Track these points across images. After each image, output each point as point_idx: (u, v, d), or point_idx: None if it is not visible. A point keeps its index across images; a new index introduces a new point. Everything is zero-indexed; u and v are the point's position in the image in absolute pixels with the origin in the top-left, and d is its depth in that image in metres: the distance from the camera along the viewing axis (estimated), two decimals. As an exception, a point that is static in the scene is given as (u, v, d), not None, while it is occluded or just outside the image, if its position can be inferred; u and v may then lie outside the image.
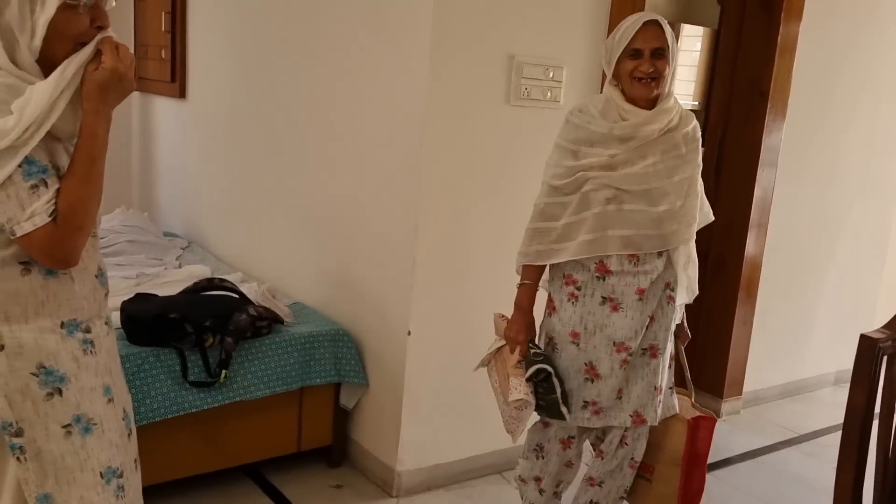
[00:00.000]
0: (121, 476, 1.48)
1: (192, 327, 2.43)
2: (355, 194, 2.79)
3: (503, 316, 2.17)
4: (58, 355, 1.38)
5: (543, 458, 2.21)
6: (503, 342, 2.14)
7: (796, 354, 3.94)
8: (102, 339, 1.46)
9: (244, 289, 2.84)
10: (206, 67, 3.79)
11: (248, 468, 2.74)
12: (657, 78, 1.94)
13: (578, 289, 2.04)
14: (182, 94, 3.92)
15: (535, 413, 2.10)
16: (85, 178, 1.34)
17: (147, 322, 2.40)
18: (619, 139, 1.97)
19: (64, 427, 1.39)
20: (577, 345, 2.06)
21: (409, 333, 2.56)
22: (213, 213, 3.82)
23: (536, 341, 2.16)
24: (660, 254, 2.03)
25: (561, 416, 2.05)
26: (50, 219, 1.30)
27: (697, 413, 2.20)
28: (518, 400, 2.01)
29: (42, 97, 1.29)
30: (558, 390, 2.02)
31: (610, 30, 2.69)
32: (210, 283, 2.77)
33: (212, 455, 2.55)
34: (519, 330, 2.08)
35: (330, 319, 2.85)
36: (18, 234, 1.30)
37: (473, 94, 2.51)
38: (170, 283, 3.05)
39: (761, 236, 3.52)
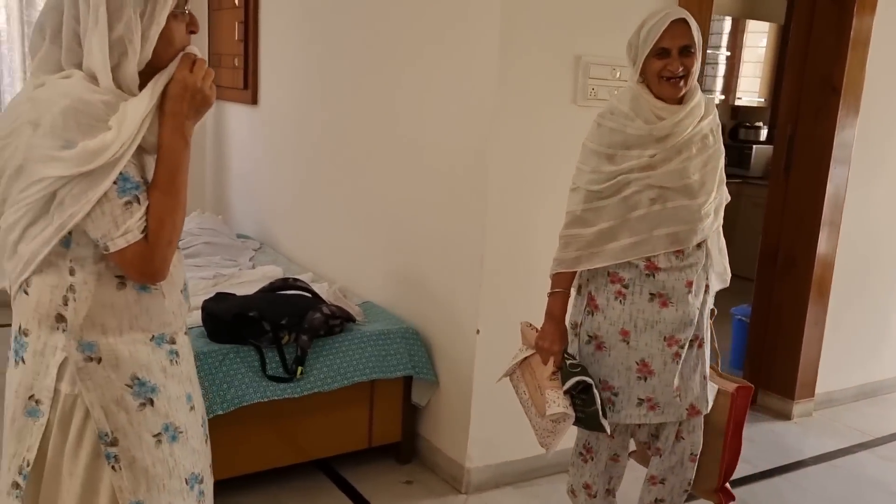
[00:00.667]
0: (201, 482, 1.53)
1: (270, 325, 2.52)
2: (424, 195, 2.85)
3: (531, 325, 2.14)
4: (149, 367, 1.43)
5: (592, 458, 2.18)
6: (530, 352, 2.10)
7: (871, 355, 3.83)
8: (185, 350, 1.52)
9: (316, 288, 2.92)
10: (277, 75, 3.91)
11: (321, 463, 2.82)
12: (685, 76, 1.93)
13: (626, 286, 2.02)
14: (254, 100, 4.06)
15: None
16: (167, 191, 1.36)
17: (227, 320, 2.51)
18: (656, 139, 1.95)
19: (155, 436, 1.43)
20: (628, 343, 2.03)
21: (477, 332, 2.60)
22: (283, 216, 3.94)
23: (571, 341, 2.12)
24: (699, 245, 2.03)
25: (602, 428, 2.00)
26: (142, 235, 1.33)
27: (728, 382, 2.22)
28: (557, 414, 1.95)
29: (137, 112, 1.32)
30: (598, 401, 1.97)
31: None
32: (285, 282, 2.86)
33: (287, 450, 2.64)
34: (553, 340, 2.04)
35: (400, 318, 2.91)
36: (112, 251, 1.33)
37: (540, 95, 2.54)
38: (245, 283, 3.16)
39: (833, 235, 3.45)
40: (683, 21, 1.92)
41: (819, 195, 3.37)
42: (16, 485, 1.42)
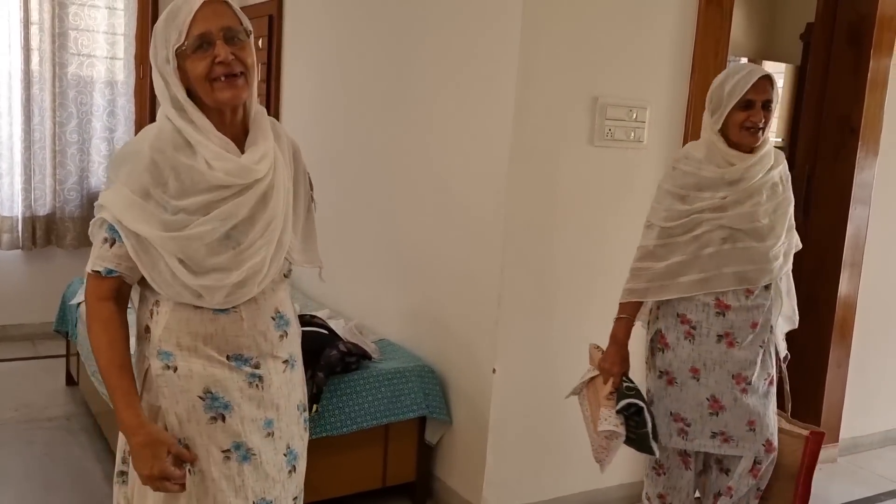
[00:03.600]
0: None
1: (286, 362, 2.52)
2: (441, 233, 2.86)
3: (598, 347, 2.27)
4: (224, 384, 1.47)
5: (665, 473, 2.28)
6: (596, 372, 2.24)
7: (897, 400, 3.75)
8: (274, 377, 1.52)
9: (332, 325, 2.92)
10: (299, 114, 3.98)
11: (333, 502, 2.79)
12: (764, 127, 2.10)
13: (694, 328, 2.16)
14: (274, 139, 4.11)
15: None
16: (99, 357, 1.45)
17: (244, 356, 2.51)
18: (728, 183, 2.11)
19: (223, 452, 1.47)
20: (698, 380, 2.17)
21: (493, 371, 2.58)
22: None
23: (647, 374, 2.27)
24: (766, 287, 2.16)
25: (650, 451, 2.14)
26: (92, 271, 1.44)
27: (799, 428, 2.28)
28: (607, 431, 2.11)
29: (123, 214, 1.41)
30: (649, 424, 2.11)
31: (693, 70, 2.71)
32: (301, 319, 2.86)
33: (301, 487, 2.62)
34: (614, 362, 2.19)
35: (415, 356, 2.90)
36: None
37: (557, 136, 2.56)
38: (262, 319, 3.16)
39: (855, 276, 3.40)
40: (770, 78, 2.11)
41: (839, 236, 3.35)
42: (121, 473, 1.56)
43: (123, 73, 4.53)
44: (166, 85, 1.43)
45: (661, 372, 2.22)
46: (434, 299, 2.91)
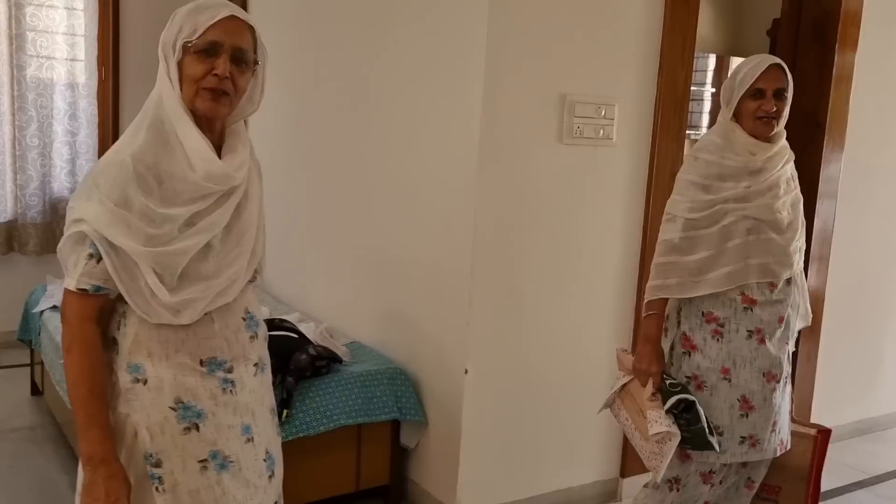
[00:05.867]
0: None
1: (255, 367, 2.48)
2: (411, 234, 2.84)
3: (626, 350, 2.20)
4: (196, 392, 1.44)
5: (678, 490, 2.17)
6: (627, 378, 2.15)
7: (866, 391, 3.80)
8: (246, 381, 1.50)
9: (302, 329, 2.89)
10: (265, 113, 3.91)
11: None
12: (777, 117, 2.06)
13: (721, 325, 2.08)
14: (241, 141, 4.05)
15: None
16: (70, 385, 1.41)
17: (211, 362, 2.46)
18: (750, 172, 2.07)
19: (200, 462, 1.43)
20: (729, 381, 2.08)
21: (465, 372, 2.56)
22: (270, 255, 3.90)
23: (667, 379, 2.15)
24: (787, 281, 2.11)
25: (710, 446, 2.02)
26: (77, 289, 1.38)
27: (804, 427, 2.25)
28: (659, 433, 1.98)
29: (107, 229, 1.36)
30: (703, 419, 2.00)
31: (661, 67, 2.71)
32: (271, 323, 2.82)
33: (273, 494, 2.57)
34: (651, 361, 2.09)
35: (387, 358, 2.87)
36: (63, 286, 1.42)
37: (526, 134, 2.54)
38: (231, 324, 3.12)
39: (823, 269, 3.44)
40: (779, 66, 2.07)
41: (807, 229, 3.37)
42: None
43: (85, 75, 4.43)
44: (167, 69, 1.42)
45: (688, 377, 2.11)
46: (405, 301, 2.88)
